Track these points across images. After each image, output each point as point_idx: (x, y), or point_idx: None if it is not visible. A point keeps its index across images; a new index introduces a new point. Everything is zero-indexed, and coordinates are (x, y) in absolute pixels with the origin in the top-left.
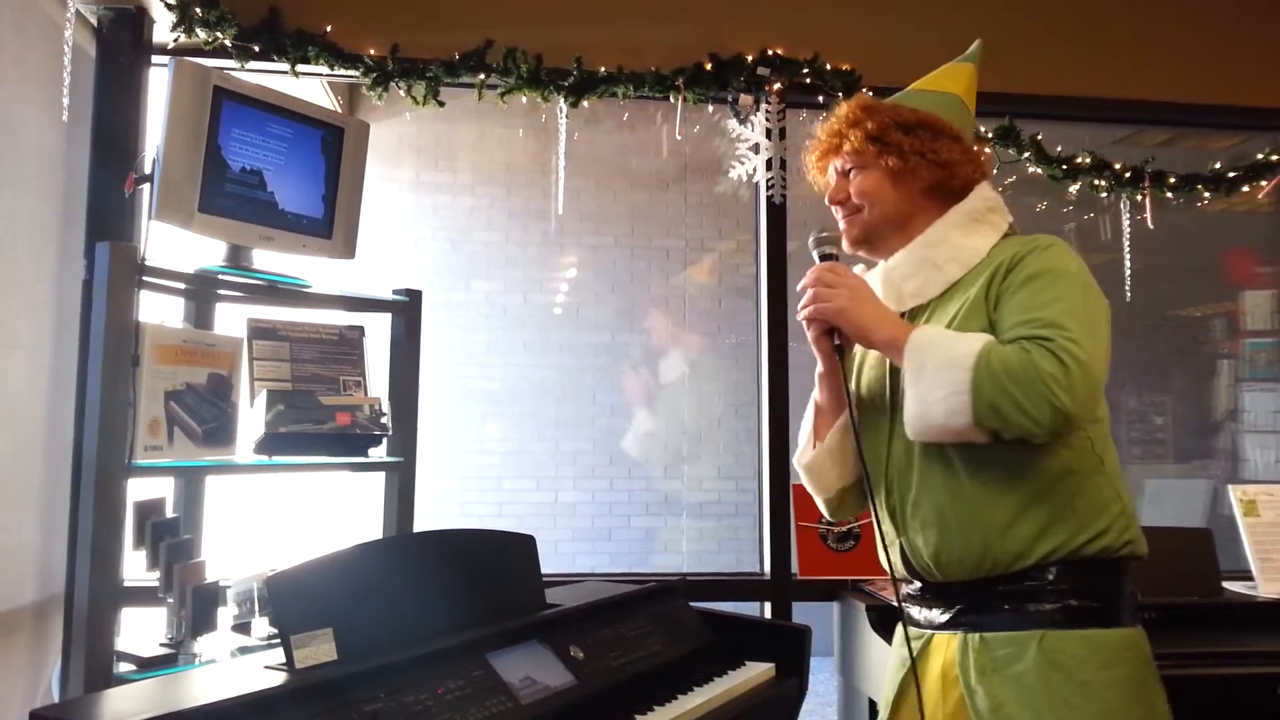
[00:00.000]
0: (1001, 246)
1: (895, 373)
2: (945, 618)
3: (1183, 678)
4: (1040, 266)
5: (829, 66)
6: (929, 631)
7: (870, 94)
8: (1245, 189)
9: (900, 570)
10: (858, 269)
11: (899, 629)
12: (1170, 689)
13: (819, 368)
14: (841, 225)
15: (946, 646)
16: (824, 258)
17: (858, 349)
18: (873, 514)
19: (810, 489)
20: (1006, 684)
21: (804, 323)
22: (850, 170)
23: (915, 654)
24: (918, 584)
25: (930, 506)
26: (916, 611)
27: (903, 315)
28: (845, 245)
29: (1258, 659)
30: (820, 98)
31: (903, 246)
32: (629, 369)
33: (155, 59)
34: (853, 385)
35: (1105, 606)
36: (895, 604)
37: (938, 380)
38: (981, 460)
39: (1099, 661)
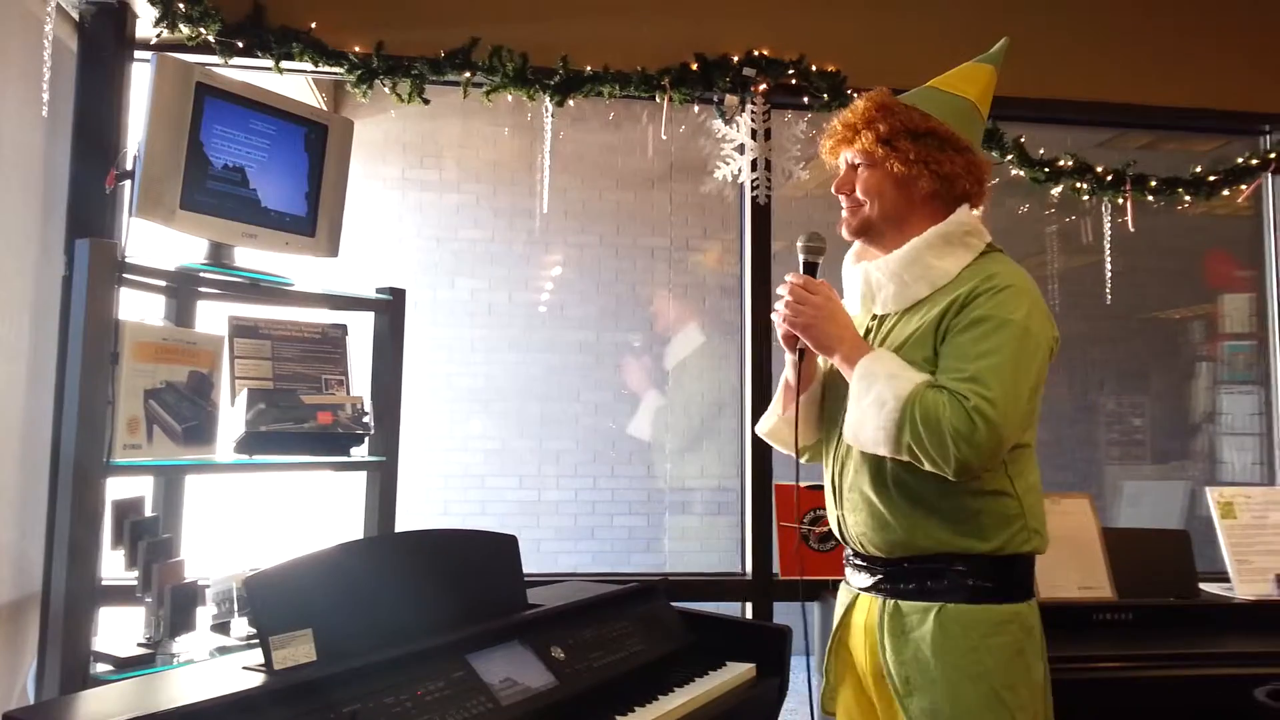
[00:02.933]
0: (971, 270)
1: None
2: (869, 582)
3: (1159, 679)
4: (985, 312)
5: (814, 68)
6: (856, 591)
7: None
8: (1226, 192)
9: (838, 536)
10: (851, 252)
11: (841, 585)
12: (1147, 690)
13: (788, 355)
14: (844, 212)
15: (869, 607)
16: (806, 266)
17: None
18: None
19: (776, 447)
20: (910, 644)
21: (775, 323)
22: (859, 165)
23: (846, 607)
24: (850, 551)
25: (860, 495)
26: (851, 574)
27: (873, 318)
28: (845, 233)
29: (1234, 660)
30: (805, 99)
31: (897, 243)
32: (631, 359)
33: (137, 54)
34: (822, 362)
35: (997, 587)
36: None
37: (870, 413)
38: (906, 471)
39: (984, 630)
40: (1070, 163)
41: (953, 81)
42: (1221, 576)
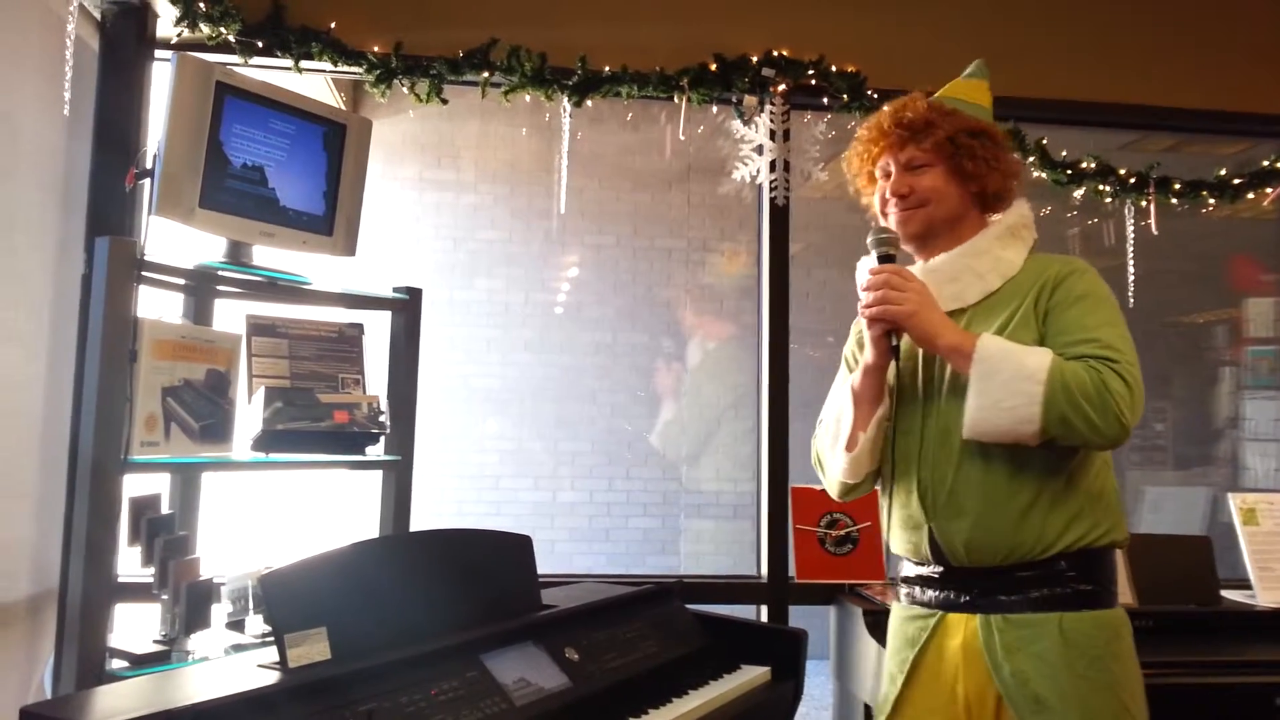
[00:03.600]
0: (1034, 262)
1: (930, 365)
2: (965, 599)
3: (1180, 686)
4: (1086, 289)
5: (834, 68)
6: (940, 611)
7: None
8: (1250, 196)
9: (923, 553)
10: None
11: (898, 610)
12: (1168, 698)
13: (867, 359)
14: (894, 219)
15: (965, 625)
16: (883, 258)
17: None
18: (886, 499)
19: (840, 474)
20: (1030, 660)
21: (865, 320)
22: (919, 167)
23: (929, 633)
24: (938, 567)
25: (967, 497)
26: (926, 593)
27: None
28: (900, 238)
29: (1255, 668)
30: (825, 100)
31: (947, 247)
32: (660, 362)
33: (158, 54)
34: (891, 378)
35: (1102, 590)
36: (890, 606)
37: (1009, 390)
38: (1021, 460)
39: (1105, 638)
40: (1093, 165)
41: (968, 93)
42: (1243, 584)
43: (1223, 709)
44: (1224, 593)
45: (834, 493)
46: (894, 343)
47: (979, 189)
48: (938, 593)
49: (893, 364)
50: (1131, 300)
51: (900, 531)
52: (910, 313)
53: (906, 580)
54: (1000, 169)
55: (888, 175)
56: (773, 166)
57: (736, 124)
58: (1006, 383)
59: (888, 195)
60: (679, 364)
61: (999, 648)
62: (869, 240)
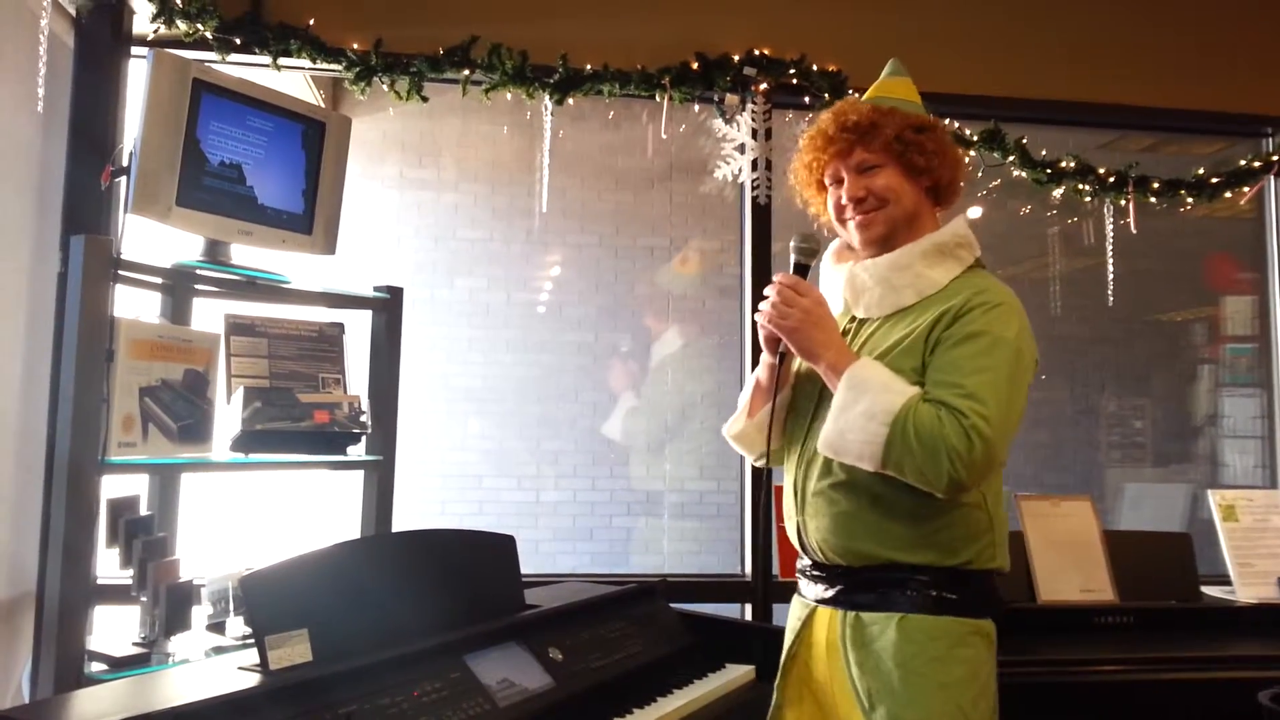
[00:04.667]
0: (959, 282)
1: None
2: (829, 594)
3: (1161, 682)
4: (980, 327)
5: (815, 67)
6: (814, 604)
7: (855, 95)
8: (1228, 195)
9: (795, 544)
10: (832, 249)
11: (794, 599)
12: (1148, 693)
13: (764, 356)
14: (853, 225)
15: (830, 619)
16: (797, 267)
17: None
18: None
19: (740, 450)
20: (873, 655)
21: (758, 323)
22: (871, 168)
23: (802, 622)
24: (808, 560)
25: (825, 501)
26: (807, 585)
27: (851, 320)
28: (860, 244)
29: (1237, 664)
30: (806, 99)
31: (907, 243)
32: (617, 363)
33: (134, 50)
34: (794, 366)
35: (961, 599)
36: None
37: (857, 425)
38: (877, 482)
39: (949, 641)
40: (1072, 164)
41: (900, 91)
42: (1223, 580)
43: (1205, 705)
44: (1204, 589)
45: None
46: (781, 349)
47: (931, 183)
48: (811, 586)
49: (787, 365)
50: (1111, 298)
51: (786, 520)
52: (792, 329)
53: (799, 572)
54: (949, 160)
55: (839, 181)
56: (754, 165)
57: (718, 123)
58: (857, 416)
59: (844, 201)
60: (662, 362)
61: (849, 642)
62: (791, 244)
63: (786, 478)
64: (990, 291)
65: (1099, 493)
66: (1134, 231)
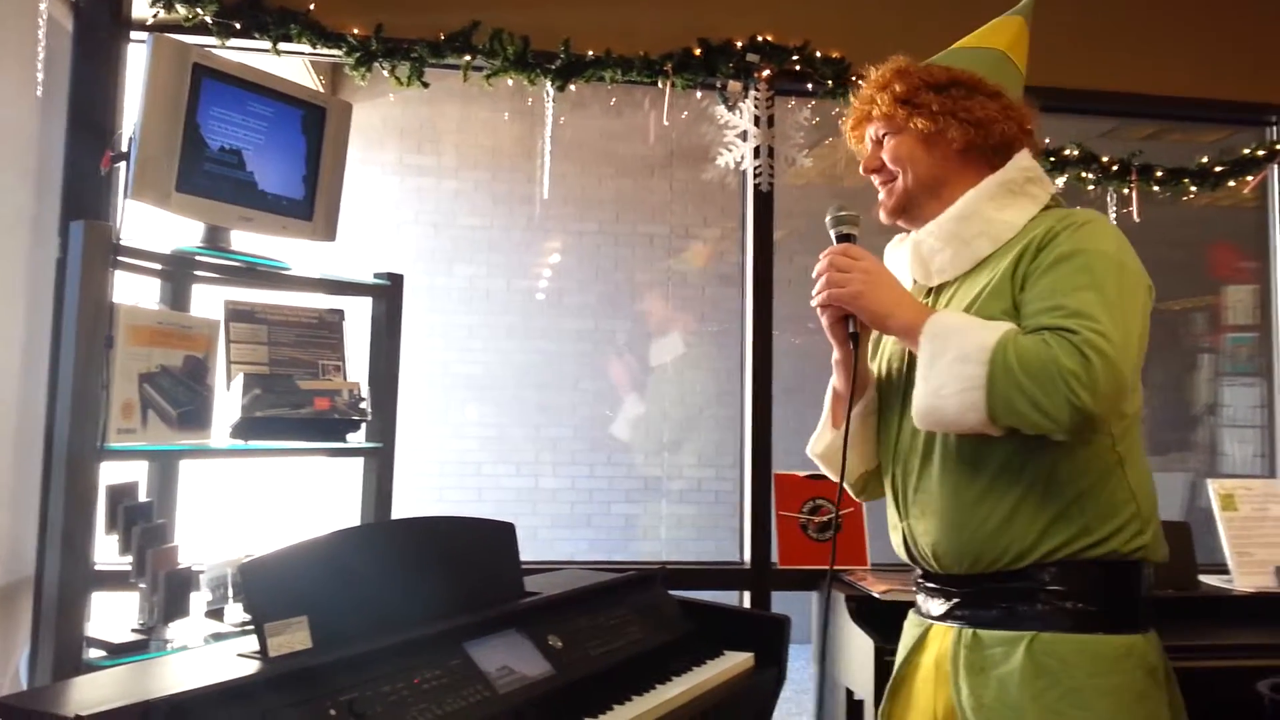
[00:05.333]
0: (1038, 220)
1: (912, 353)
2: (943, 609)
3: None
4: (1073, 246)
5: (819, 54)
6: (929, 621)
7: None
8: (1231, 183)
9: (903, 556)
10: (894, 240)
11: (910, 614)
12: None
13: (835, 354)
14: (880, 195)
15: (942, 639)
16: (840, 238)
17: None
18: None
19: (829, 475)
20: (991, 684)
21: (818, 310)
22: (884, 136)
23: (915, 642)
24: (920, 571)
25: (930, 496)
26: (921, 599)
27: (929, 291)
28: (883, 216)
29: (1234, 652)
30: (809, 85)
31: (938, 212)
32: (614, 355)
33: (133, 35)
34: (873, 365)
35: (1105, 611)
36: (874, 595)
37: (951, 374)
38: (988, 453)
39: (1091, 668)
40: (1076, 152)
41: (978, 36)
42: (1221, 569)
43: (1205, 692)
44: (1202, 577)
45: (851, 494)
46: (851, 329)
47: (964, 143)
48: (926, 600)
49: (862, 351)
50: None
51: (890, 531)
52: (856, 294)
53: (914, 584)
54: (969, 118)
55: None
56: (757, 153)
57: (720, 110)
58: (949, 365)
59: (863, 173)
60: (661, 350)
61: (962, 667)
62: (827, 219)
63: (885, 485)
64: (1075, 214)
65: None
66: (1137, 220)
